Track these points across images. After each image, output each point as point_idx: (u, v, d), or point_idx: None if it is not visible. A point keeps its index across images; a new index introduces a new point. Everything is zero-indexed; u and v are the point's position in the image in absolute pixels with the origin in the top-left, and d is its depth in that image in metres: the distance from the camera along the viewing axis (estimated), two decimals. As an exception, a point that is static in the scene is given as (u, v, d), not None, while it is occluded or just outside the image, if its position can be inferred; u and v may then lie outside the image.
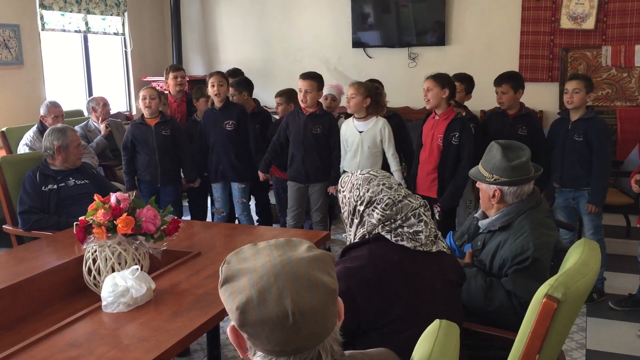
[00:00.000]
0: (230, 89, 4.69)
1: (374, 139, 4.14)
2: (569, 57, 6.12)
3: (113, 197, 2.40)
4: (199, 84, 5.58)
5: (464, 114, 4.11)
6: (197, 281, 2.41)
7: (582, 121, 3.82)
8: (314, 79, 4.19)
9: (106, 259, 2.37)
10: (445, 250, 1.88)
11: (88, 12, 6.55)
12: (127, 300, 2.12)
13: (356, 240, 1.86)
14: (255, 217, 5.05)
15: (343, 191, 1.91)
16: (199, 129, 4.66)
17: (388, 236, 1.80)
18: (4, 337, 2.22)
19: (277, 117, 5.00)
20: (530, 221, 2.30)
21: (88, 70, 6.82)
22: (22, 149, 4.84)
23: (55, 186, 3.45)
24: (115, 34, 7.03)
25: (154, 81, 7.17)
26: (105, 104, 5.56)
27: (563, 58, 6.13)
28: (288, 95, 4.81)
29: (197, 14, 7.71)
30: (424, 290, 1.80)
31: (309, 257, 1.08)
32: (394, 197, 1.79)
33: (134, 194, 4.21)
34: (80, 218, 2.38)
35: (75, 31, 6.47)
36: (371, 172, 1.88)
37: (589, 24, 5.98)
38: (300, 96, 4.22)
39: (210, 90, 4.49)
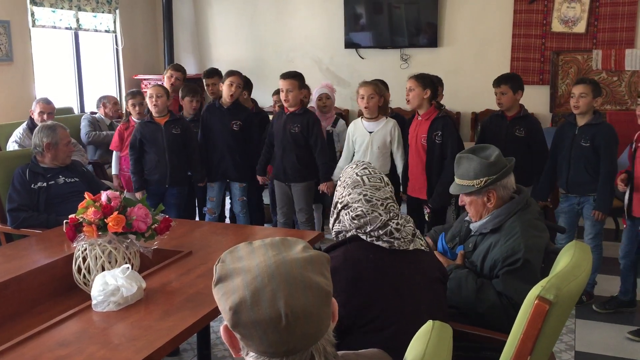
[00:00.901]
0: None
1: (384, 140, 4.15)
2: (560, 60, 6.16)
3: (104, 195, 2.38)
4: (190, 82, 5.54)
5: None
6: (188, 280, 2.40)
7: (589, 126, 3.74)
8: (295, 77, 4.18)
9: (96, 258, 2.36)
10: (423, 248, 1.90)
11: (79, 9, 6.51)
12: (118, 300, 2.11)
13: (333, 231, 1.94)
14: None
15: (340, 181, 1.95)
16: (201, 126, 4.61)
17: (364, 237, 1.84)
18: (-8, 335, 2.20)
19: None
20: (521, 223, 2.31)
21: (79, 68, 6.77)
22: (12, 146, 4.80)
23: (44, 184, 3.42)
24: (106, 31, 6.99)
25: (145, 79, 7.14)
26: (115, 103, 5.93)
27: (554, 61, 6.16)
28: None
29: (190, 12, 7.68)
30: (403, 288, 1.82)
31: (304, 258, 1.07)
32: (366, 210, 1.81)
33: (143, 194, 4.21)
34: (70, 216, 2.37)
35: (66, 28, 6.42)
36: (364, 177, 1.87)
37: (580, 27, 6.01)
38: (282, 96, 4.22)
39: (226, 90, 4.46)
